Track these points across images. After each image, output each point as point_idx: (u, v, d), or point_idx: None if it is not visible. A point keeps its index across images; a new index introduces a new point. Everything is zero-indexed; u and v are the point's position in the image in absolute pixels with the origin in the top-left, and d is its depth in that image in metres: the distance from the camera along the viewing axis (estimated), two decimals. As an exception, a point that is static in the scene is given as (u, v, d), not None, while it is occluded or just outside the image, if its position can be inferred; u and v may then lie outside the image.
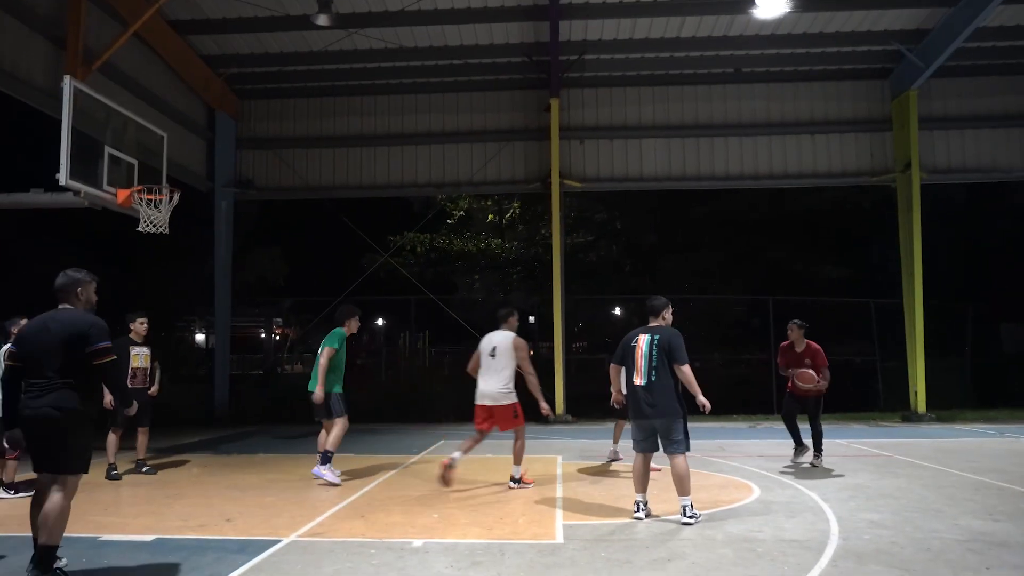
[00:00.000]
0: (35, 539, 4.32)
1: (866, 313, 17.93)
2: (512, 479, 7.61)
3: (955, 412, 15.38)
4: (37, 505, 4.40)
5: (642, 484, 6.24)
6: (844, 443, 11.40)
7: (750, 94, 16.33)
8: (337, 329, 8.01)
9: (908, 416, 14.84)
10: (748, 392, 16.48)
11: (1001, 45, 14.80)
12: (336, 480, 7.65)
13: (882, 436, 12.48)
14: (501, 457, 9.97)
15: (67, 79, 9.36)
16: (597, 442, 11.81)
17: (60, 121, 9.19)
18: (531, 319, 24.12)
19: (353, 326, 8.20)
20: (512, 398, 7.54)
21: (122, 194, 10.01)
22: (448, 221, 23.89)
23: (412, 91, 16.85)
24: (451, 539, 5.49)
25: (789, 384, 9.04)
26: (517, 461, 7.66)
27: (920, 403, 14.87)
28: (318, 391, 7.66)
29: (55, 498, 4.28)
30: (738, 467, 8.95)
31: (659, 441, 6.18)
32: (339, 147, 17.15)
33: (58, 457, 4.39)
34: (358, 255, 22.88)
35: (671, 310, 6.60)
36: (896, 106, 15.54)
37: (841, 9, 13.89)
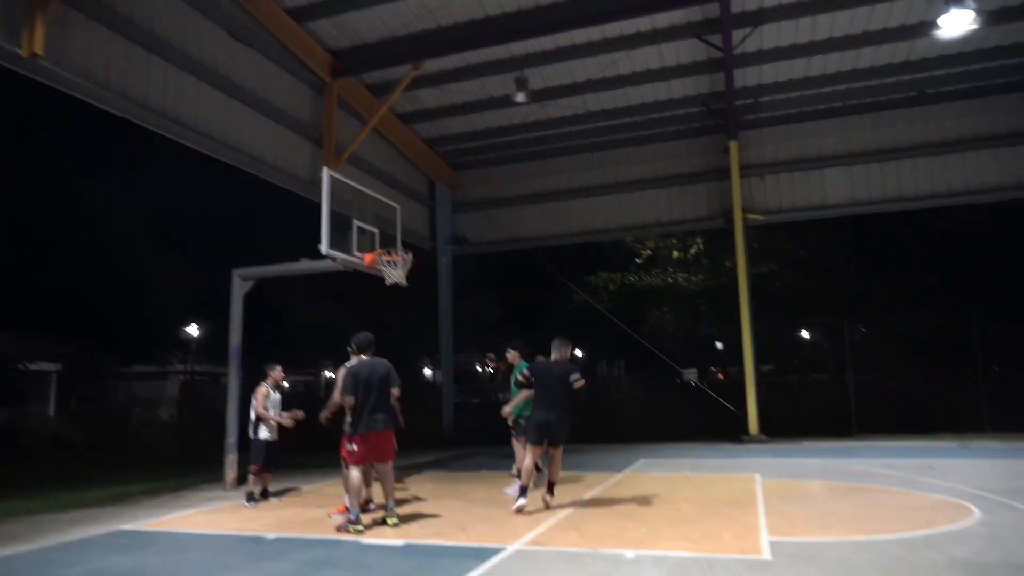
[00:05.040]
0: None
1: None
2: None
3: None
4: None
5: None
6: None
7: (936, 115, 14.67)
8: (522, 363, 8.29)
9: None
10: (955, 411, 14.45)
11: None
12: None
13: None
14: (698, 475, 9.54)
15: (325, 170, 10.51)
16: (793, 459, 10.94)
17: (320, 204, 10.30)
18: (719, 344, 23.06)
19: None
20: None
21: (368, 257, 10.95)
22: (636, 260, 23.68)
23: (600, 148, 17.06)
24: (660, 551, 5.27)
25: None
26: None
27: None
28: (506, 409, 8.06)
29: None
30: (951, 487, 7.78)
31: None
32: (539, 203, 17.70)
33: None
34: (559, 296, 23.29)
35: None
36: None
37: None
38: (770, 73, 14.19)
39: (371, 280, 11.16)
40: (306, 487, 9.38)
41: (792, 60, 13.61)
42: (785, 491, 7.92)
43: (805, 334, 24.06)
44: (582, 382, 7.03)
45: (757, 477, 8.98)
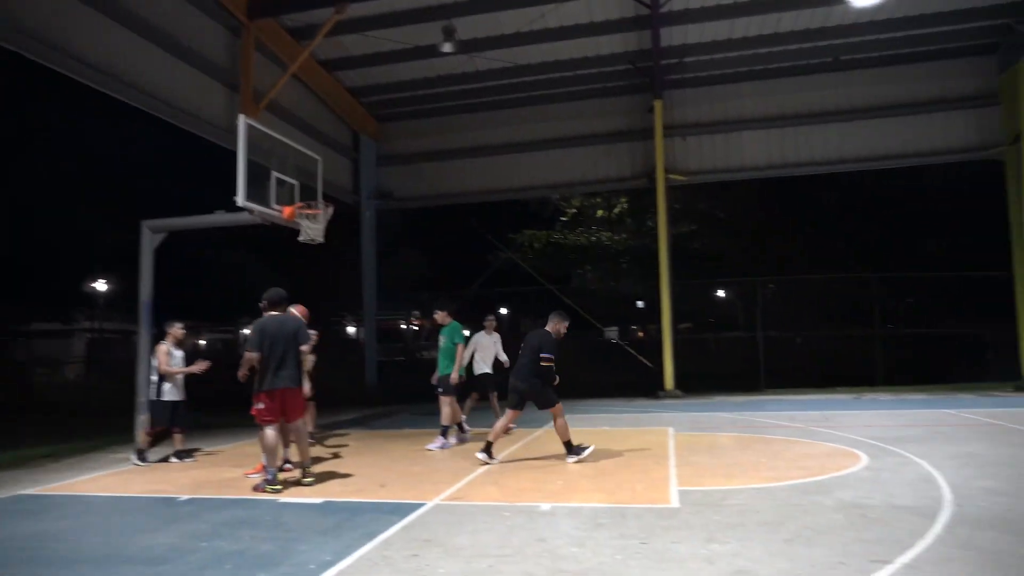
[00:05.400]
0: None
1: (975, 287, 16.38)
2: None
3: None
4: None
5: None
6: (954, 412, 10.48)
7: (850, 80, 15.25)
8: (456, 323, 8.71)
9: (1021, 386, 13.44)
10: (853, 366, 15.46)
11: None
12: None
13: (994, 406, 11.30)
14: (615, 430, 9.88)
15: (241, 118, 10.00)
16: (704, 413, 11.48)
17: (236, 153, 9.83)
18: (639, 303, 23.71)
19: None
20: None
21: (287, 211, 10.57)
22: (562, 219, 23.87)
23: (528, 103, 16.92)
24: (576, 503, 5.46)
25: None
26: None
27: (1033, 371, 13.45)
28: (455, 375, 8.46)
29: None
30: (844, 436, 8.37)
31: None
32: (465, 158, 17.50)
33: None
34: (484, 253, 23.29)
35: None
36: (1006, 80, 14.03)
37: None
38: (695, 33, 14.36)
39: (295, 235, 10.83)
40: (223, 447, 9.18)
41: (717, 21, 13.80)
42: (696, 443, 8.32)
43: (721, 293, 25.02)
44: (548, 363, 7.16)
45: (670, 430, 9.38)
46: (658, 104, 15.28)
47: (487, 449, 7.25)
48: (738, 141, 15.88)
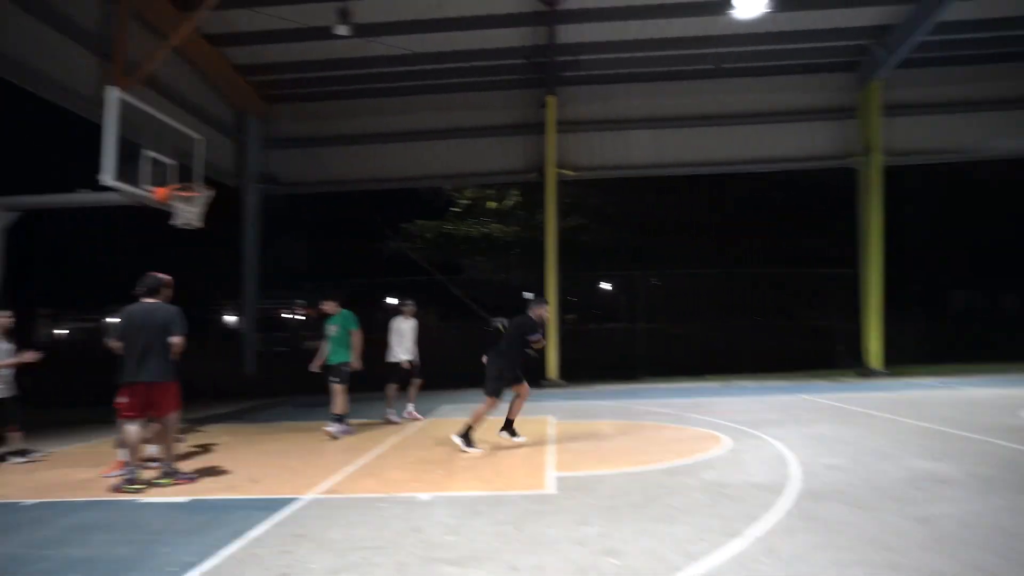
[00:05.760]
0: None
1: (829, 282, 17.85)
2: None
3: (906, 368, 15.36)
4: None
5: None
6: (807, 397, 11.38)
7: (729, 88, 16.13)
8: (348, 311, 8.66)
9: (863, 372, 14.82)
10: (723, 356, 16.45)
11: (959, 38, 14.49)
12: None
13: (841, 391, 12.40)
14: (497, 419, 10.00)
15: (111, 89, 9.25)
16: (585, 402, 11.84)
17: (105, 128, 9.09)
18: (528, 295, 24.02)
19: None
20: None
21: (160, 192, 9.91)
22: (454, 209, 23.79)
23: (423, 92, 16.68)
24: (454, 492, 5.48)
25: None
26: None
27: (875, 360, 14.84)
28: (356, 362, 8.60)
29: None
30: (712, 421, 8.90)
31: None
32: (357, 144, 17.07)
33: None
34: (374, 241, 22.85)
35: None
36: (862, 96, 15.32)
37: (814, 8, 13.67)
38: (591, 32, 14.67)
39: (171, 218, 10.17)
40: (78, 446, 8.48)
41: (611, 22, 14.16)
42: (575, 431, 8.56)
43: (607, 286, 25.81)
44: (541, 343, 7.41)
45: (551, 419, 9.61)
46: (551, 100, 15.55)
47: (466, 435, 7.24)
48: (626, 140, 16.44)
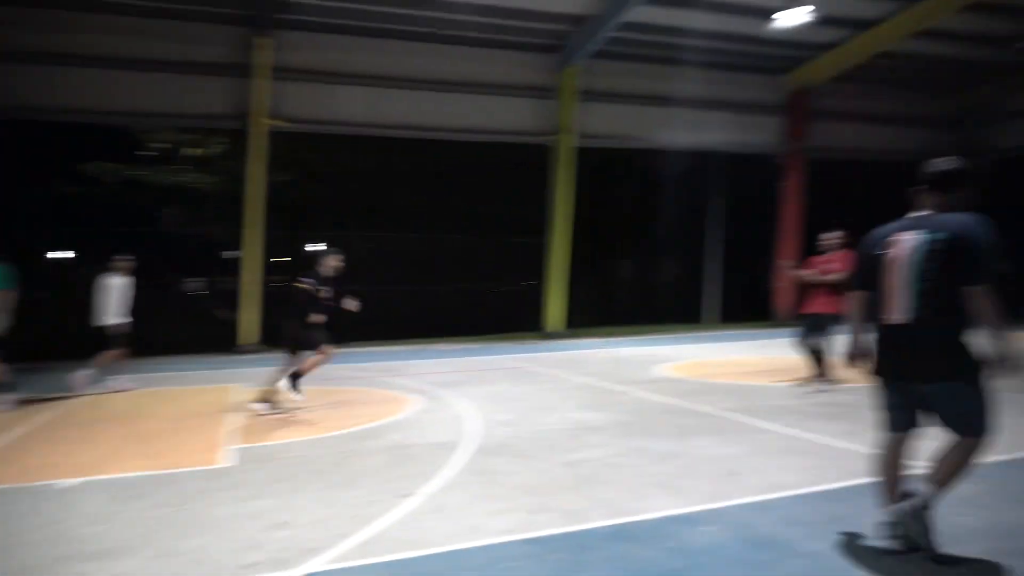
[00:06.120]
0: None
1: (522, 249, 19.46)
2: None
3: (580, 330, 17.55)
4: None
5: None
6: (493, 359, 12.32)
7: (444, 54, 16.28)
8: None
9: (544, 334, 16.61)
10: (423, 320, 17.03)
11: (643, 38, 16.33)
12: None
13: (524, 352, 13.52)
14: (177, 389, 9.16)
15: None
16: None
17: None
18: (230, 253, 22.27)
19: None
20: None
21: None
22: (145, 153, 20.76)
23: (116, 12, 13.84)
24: (113, 474, 4.86)
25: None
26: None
27: (555, 323, 16.71)
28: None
29: None
30: (404, 384, 9.16)
31: None
32: (19, 64, 13.59)
33: None
34: (45, 184, 18.93)
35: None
36: (561, 78, 16.70)
37: None
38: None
39: None
40: None
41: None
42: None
43: (319, 247, 24.91)
44: (326, 299, 7.31)
45: (237, 387, 9.05)
46: (262, 42, 14.25)
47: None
48: (343, 95, 15.77)
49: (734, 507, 4.04)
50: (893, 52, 17.55)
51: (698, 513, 3.94)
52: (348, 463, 5.13)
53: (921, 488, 3.22)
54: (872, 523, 3.50)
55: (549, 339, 16.27)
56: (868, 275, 3.39)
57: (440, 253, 19.12)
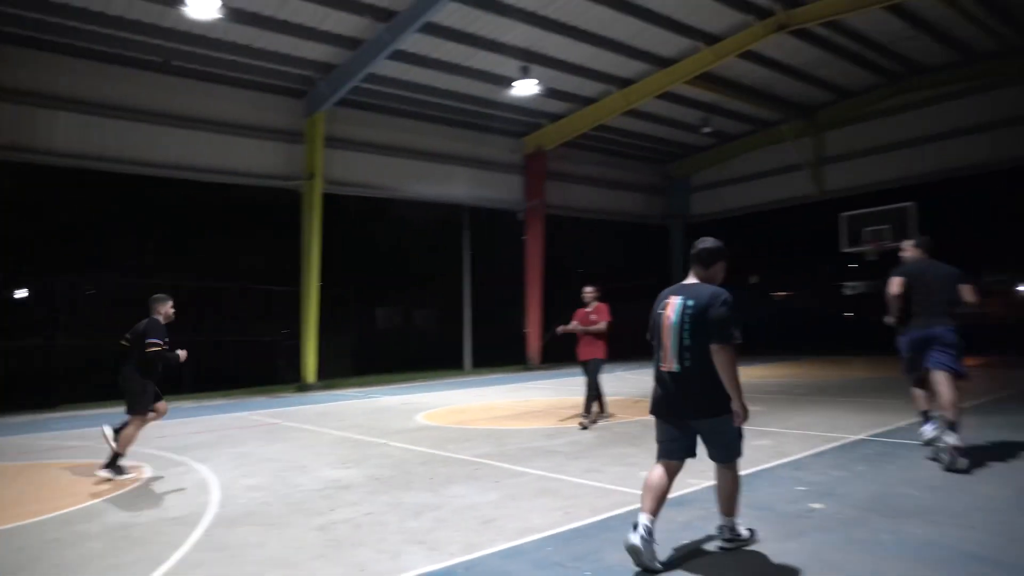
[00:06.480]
0: None
1: (275, 298, 18.48)
2: None
3: (339, 380, 17.00)
4: None
5: None
6: (244, 415, 11.43)
7: (176, 87, 15.09)
8: None
9: (302, 386, 15.77)
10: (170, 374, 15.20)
11: (390, 91, 16.86)
12: None
13: (278, 406, 12.76)
14: None
15: None
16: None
17: None
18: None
19: None
20: None
21: None
22: None
23: None
24: None
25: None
26: None
27: (311, 374, 15.96)
28: None
29: None
30: (135, 451, 7.96)
31: None
32: None
33: None
34: None
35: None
36: (309, 124, 16.32)
37: (267, 29, 13.69)
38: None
39: None
40: None
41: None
42: (-61, 482, 6.60)
43: (21, 293, 21.16)
44: (156, 348, 6.44)
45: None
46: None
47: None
48: (51, 121, 13.75)
49: (489, 556, 4.11)
50: (611, 126, 20.34)
51: (453, 567, 3.95)
52: (52, 556, 4.31)
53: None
54: (618, 556, 3.83)
55: (306, 391, 15.50)
56: (652, 328, 4.11)
57: (184, 301, 17.34)
